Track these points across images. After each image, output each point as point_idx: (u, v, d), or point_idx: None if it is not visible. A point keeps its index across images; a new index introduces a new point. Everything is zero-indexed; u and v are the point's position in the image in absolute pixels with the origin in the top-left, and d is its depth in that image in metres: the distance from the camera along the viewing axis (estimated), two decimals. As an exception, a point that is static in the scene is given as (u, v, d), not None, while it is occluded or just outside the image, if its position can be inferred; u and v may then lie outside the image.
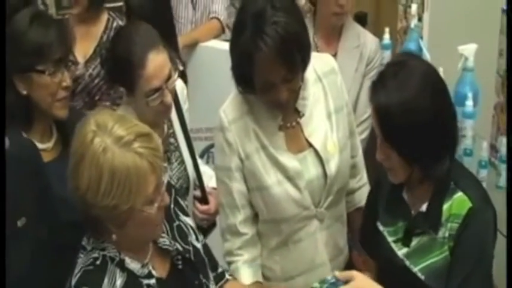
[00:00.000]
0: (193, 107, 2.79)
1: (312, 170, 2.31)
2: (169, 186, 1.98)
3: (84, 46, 3.16)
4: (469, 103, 2.44)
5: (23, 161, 2.06)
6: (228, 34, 3.80)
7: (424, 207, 2.10)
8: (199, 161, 2.75)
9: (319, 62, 2.36)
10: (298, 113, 2.32)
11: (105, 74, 2.74)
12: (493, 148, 2.61)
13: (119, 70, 2.37)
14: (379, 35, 3.23)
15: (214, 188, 2.61)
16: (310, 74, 2.31)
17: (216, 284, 2.18)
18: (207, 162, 3.50)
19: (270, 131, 2.30)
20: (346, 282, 1.99)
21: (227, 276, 2.25)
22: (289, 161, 2.29)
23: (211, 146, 3.49)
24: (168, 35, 2.84)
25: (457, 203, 2.04)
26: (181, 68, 2.88)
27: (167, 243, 2.00)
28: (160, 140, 1.90)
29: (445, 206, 2.06)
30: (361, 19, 4.01)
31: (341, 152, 2.35)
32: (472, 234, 2.02)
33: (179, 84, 2.61)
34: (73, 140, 1.82)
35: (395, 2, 3.46)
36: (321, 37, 3.27)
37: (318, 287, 2.03)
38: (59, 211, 2.14)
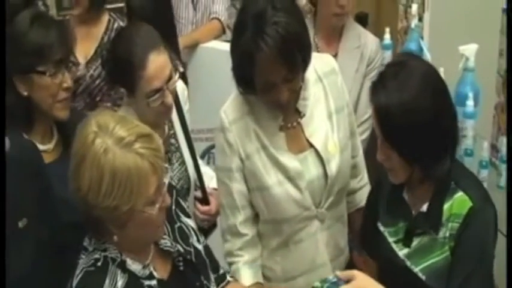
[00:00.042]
0: (194, 107, 2.80)
1: (312, 171, 2.31)
2: (170, 187, 1.98)
3: (85, 47, 3.16)
4: (470, 103, 2.44)
5: (23, 162, 2.06)
6: (228, 35, 3.80)
7: (424, 208, 2.10)
8: (200, 161, 2.75)
9: (320, 62, 2.36)
10: (298, 113, 2.32)
11: (106, 75, 2.74)
12: (494, 148, 2.61)
13: (120, 71, 2.37)
14: (379, 35, 3.23)
15: (215, 189, 2.61)
16: (310, 74, 2.31)
17: (217, 285, 2.18)
18: (208, 163, 3.50)
19: (271, 132, 2.30)
20: (348, 281, 1.99)
21: (228, 278, 2.24)
22: (289, 161, 2.29)
23: (212, 146, 3.49)
24: (168, 36, 2.84)
25: (458, 202, 2.05)
26: (181, 69, 2.88)
27: (168, 244, 2.00)
28: (161, 141, 1.90)
29: (446, 206, 2.06)
30: (361, 19, 4.01)
31: (342, 152, 2.35)
32: (473, 233, 2.02)
33: (180, 85, 2.61)
34: (74, 141, 1.82)
35: (396, 2, 3.45)
36: (322, 38, 3.27)
37: (319, 287, 2.03)
38: (60, 212, 2.14)
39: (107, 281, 1.84)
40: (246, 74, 2.18)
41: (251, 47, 2.10)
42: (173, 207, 2.07)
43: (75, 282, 1.83)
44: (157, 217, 1.85)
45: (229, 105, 2.33)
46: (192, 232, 2.13)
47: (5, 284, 1.86)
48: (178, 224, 2.09)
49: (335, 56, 3.11)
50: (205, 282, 2.07)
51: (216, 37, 3.90)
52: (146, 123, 1.90)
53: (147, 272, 1.92)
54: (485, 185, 2.33)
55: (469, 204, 2.03)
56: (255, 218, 2.38)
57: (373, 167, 2.39)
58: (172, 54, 2.59)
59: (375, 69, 3.16)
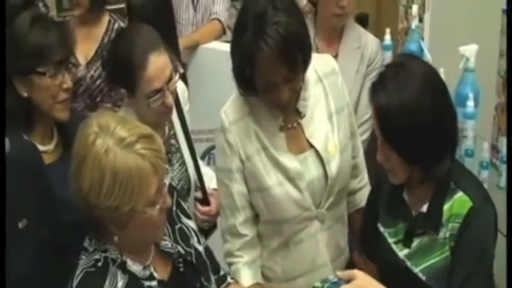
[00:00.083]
0: (194, 108, 2.80)
1: (312, 171, 2.31)
2: (171, 188, 1.98)
3: (86, 48, 3.17)
4: (470, 104, 2.44)
5: (23, 163, 2.06)
6: (229, 35, 3.80)
7: (424, 208, 2.10)
8: (200, 162, 2.75)
9: (320, 63, 2.36)
10: (299, 114, 2.32)
11: (106, 76, 2.74)
12: (494, 149, 2.61)
13: (120, 71, 2.37)
14: (380, 36, 3.23)
15: (215, 189, 2.62)
16: (310, 74, 2.31)
17: (218, 287, 2.17)
18: (208, 164, 3.50)
19: (271, 132, 2.30)
20: (348, 281, 1.99)
21: (229, 279, 2.24)
22: (290, 161, 2.29)
23: (212, 147, 3.49)
24: (169, 37, 2.85)
25: (458, 202, 2.05)
26: (181, 70, 2.88)
27: (169, 245, 2.00)
28: (162, 142, 1.90)
29: (446, 206, 2.06)
30: (362, 20, 4.01)
31: (342, 152, 2.35)
32: (473, 233, 2.02)
33: (180, 85, 2.61)
34: (75, 141, 1.82)
35: (396, 3, 3.46)
36: (322, 38, 3.27)
37: (320, 287, 2.02)
38: (60, 212, 2.15)
39: (107, 282, 1.84)
40: (246, 74, 2.18)
41: (252, 47, 2.10)
42: (174, 208, 2.07)
43: (75, 282, 1.83)
44: (158, 218, 1.85)
45: (229, 105, 2.33)
46: (193, 233, 2.13)
47: (5, 285, 1.86)
48: (179, 225, 2.09)
49: (335, 56, 3.11)
50: (205, 283, 2.07)
51: (217, 38, 3.90)
52: (146, 123, 1.90)
53: (147, 273, 1.92)
54: (485, 185, 2.33)
55: (469, 204, 2.03)
56: (255, 218, 2.38)
57: (373, 168, 2.39)
58: (173, 55, 2.59)
59: (375, 70, 3.16)
